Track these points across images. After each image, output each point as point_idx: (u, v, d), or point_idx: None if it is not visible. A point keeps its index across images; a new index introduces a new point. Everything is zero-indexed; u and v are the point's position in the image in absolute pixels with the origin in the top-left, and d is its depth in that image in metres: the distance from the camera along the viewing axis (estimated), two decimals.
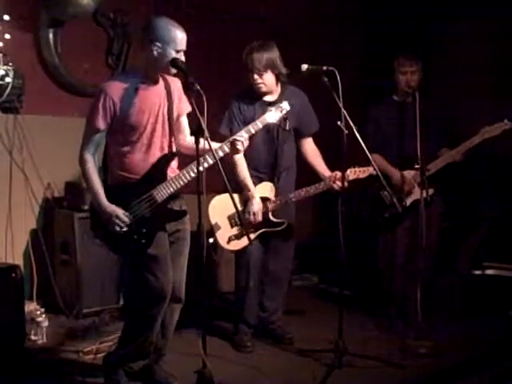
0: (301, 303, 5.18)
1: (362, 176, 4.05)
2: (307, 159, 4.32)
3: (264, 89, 4.11)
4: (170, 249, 3.46)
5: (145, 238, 3.33)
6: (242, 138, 3.47)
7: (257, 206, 4.10)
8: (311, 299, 5.50)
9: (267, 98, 4.17)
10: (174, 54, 3.25)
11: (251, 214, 4.08)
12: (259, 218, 4.10)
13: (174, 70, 3.30)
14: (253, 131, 3.62)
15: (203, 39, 5.40)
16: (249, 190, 4.11)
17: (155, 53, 3.26)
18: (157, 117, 3.37)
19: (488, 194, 5.48)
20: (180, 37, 3.28)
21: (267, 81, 4.09)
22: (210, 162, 3.33)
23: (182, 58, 3.29)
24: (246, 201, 4.13)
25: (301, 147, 4.33)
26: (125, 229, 3.29)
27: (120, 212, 3.28)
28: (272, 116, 3.69)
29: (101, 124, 3.29)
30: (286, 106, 3.72)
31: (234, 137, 3.49)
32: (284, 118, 3.89)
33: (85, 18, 4.87)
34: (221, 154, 3.40)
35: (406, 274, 4.66)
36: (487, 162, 5.46)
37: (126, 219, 3.29)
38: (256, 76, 4.06)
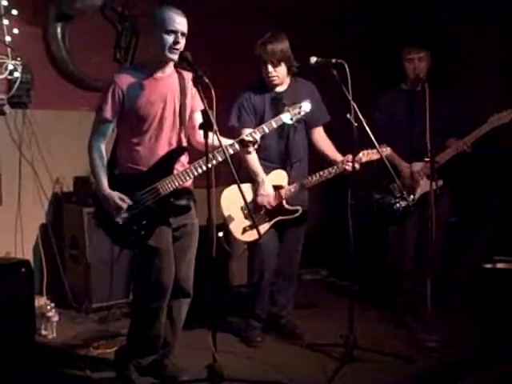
0: (310, 297, 5.17)
1: (374, 157, 4.00)
2: (318, 147, 4.28)
3: (277, 81, 4.09)
4: (177, 243, 3.45)
5: (144, 229, 3.31)
6: (254, 138, 3.41)
7: (267, 188, 4.05)
8: (320, 293, 5.48)
9: (277, 89, 4.14)
10: (165, 37, 3.20)
11: (262, 195, 4.03)
12: (271, 199, 4.06)
13: (175, 56, 3.23)
14: (267, 131, 3.58)
15: (208, 30, 5.38)
16: (259, 176, 4.05)
17: (153, 40, 3.24)
18: (167, 109, 3.35)
19: (498, 188, 5.44)
20: (170, 17, 3.20)
21: (281, 73, 4.06)
22: (220, 159, 3.31)
23: (181, 41, 3.22)
24: (257, 189, 4.08)
25: (311, 137, 4.29)
26: (125, 215, 3.26)
27: (116, 196, 3.25)
28: (288, 117, 3.63)
29: (109, 114, 3.28)
30: (306, 106, 3.65)
31: (247, 137, 3.42)
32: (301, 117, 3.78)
33: (93, 12, 4.86)
34: (231, 151, 3.36)
35: (415, 267, 4.64)
36: (496, 155, 5.41)
37: (121, 203, 3.25)
38: (271, 68, 4.03)
